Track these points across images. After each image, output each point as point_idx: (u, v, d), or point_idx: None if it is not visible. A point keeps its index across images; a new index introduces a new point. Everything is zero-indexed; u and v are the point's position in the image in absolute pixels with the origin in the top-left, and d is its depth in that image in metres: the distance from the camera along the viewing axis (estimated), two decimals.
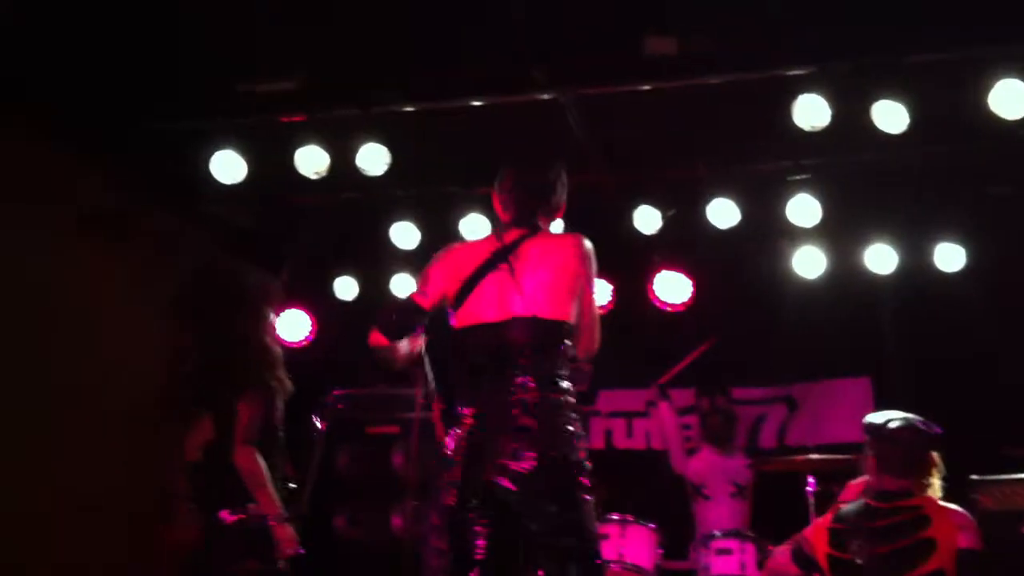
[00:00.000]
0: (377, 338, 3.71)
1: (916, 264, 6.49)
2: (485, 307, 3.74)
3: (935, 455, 4.21)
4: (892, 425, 4.26)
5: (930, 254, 6.45)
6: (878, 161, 5.96)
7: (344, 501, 6.79)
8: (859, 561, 3.93)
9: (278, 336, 4.93)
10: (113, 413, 5.66)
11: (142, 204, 6.27)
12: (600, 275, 5.91)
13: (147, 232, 6.25)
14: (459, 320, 3.79)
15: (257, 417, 4.60)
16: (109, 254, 5.98)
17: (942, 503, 4.10)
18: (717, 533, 5.67)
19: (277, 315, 5.17)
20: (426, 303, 3.79)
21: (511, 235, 3.86)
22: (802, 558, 4.22)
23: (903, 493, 4.08)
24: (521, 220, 3.92)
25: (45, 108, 5.48)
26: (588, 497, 3.60)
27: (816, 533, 4.22)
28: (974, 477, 5.20)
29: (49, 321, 5.58)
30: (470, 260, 3.82)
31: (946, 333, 6.62)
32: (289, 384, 4.80)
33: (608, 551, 5.36)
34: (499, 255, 3.80)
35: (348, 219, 7.01)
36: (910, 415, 4.32)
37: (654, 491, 6.38)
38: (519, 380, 3.61)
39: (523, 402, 3.59)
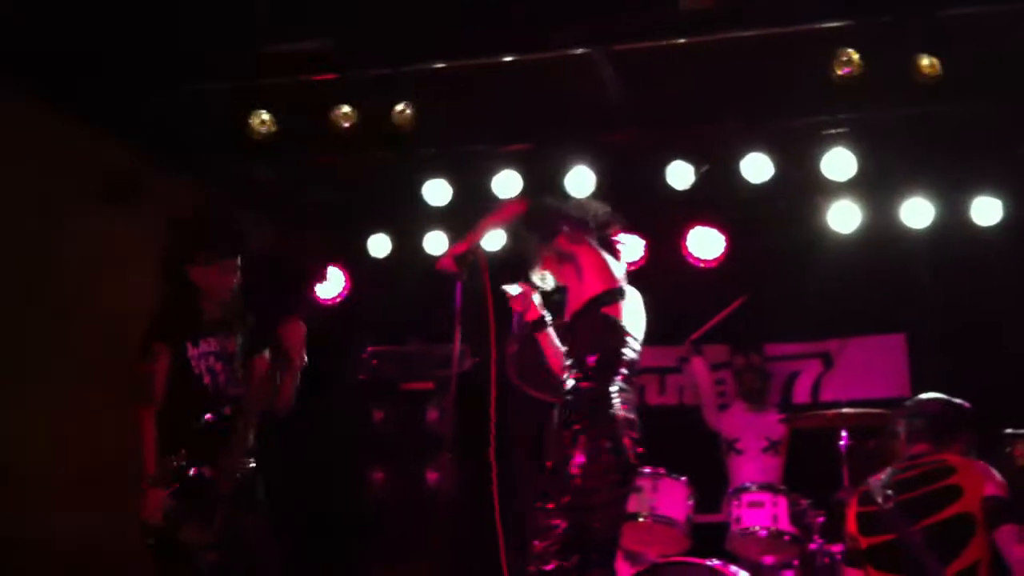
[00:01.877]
0: None
1: (952, 218, 6.43)
2: None
3: (967, 433, 4.20)
4: (919, 396, 4.28)
5: (967, 208, 6.39)
6: (914, 115, 5.89)
7: (380, 458, 6.88)
8: (886, 508, 3.94)
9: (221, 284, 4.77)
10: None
11: (169, 167, 6.32)
12: (633, 231, 5.94)
13: (174, 195, 6.30)
14: None
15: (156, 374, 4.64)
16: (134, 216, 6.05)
17: (967, 457, 4.10)
18: (750, 486, 5.69)
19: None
20: None
21: None
22: (849, 558, 4.22)
23: (928, 453, 4.10)
24: None
25: (71, 72, 5.53)
26: None
27: (849, 515, 4.22)
28: (1009, 431, 5.18)
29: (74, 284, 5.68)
30: None
31: (982, 287, 6.57)
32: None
33: (640, 504, 5.40)
34: None
35: (381, 177, 7.02)
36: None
37: (686, 446, 6.40)
38: None
39: None
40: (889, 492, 4.00)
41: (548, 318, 4.58)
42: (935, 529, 3.84)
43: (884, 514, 3.97)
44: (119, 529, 4.88)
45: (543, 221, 4.39)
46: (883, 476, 4.13)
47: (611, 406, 4.07)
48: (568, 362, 4.28)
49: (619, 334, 4.19)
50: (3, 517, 5.25)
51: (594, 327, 4.19)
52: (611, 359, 4.16)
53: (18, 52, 5.34)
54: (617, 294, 4.25)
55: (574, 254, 4.30)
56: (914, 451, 4.15)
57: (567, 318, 4.39)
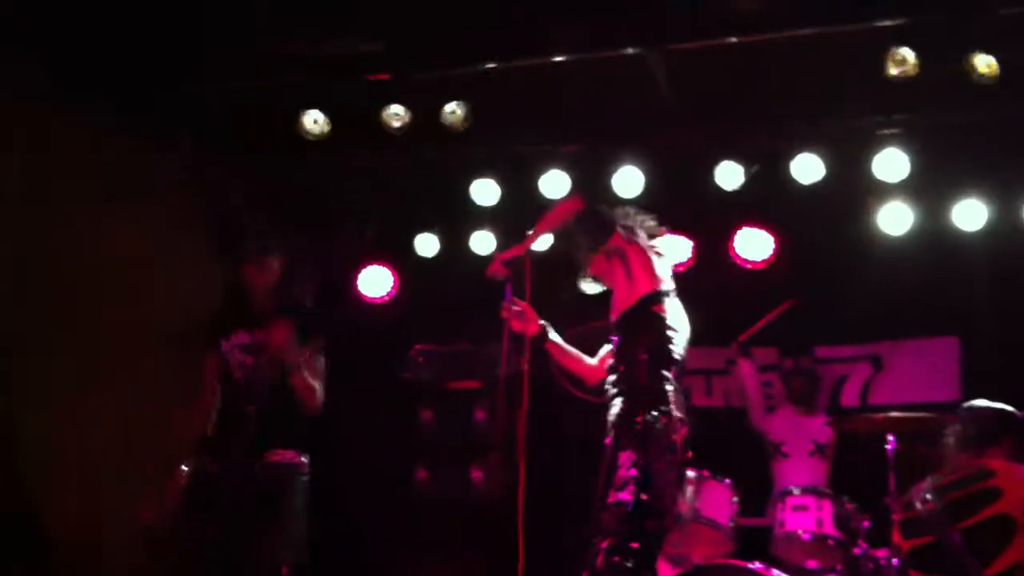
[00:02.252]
0: None
1: (1006, 221, 6.33)
2: None
3: (1012, 437, 4.16)
4: (971, 403, 4.23)
5: (1020, 210, 6.29)
6: (968, 116, 5.82)
7: (425, 457, 6.90)
8: (925, 511, 3.91)
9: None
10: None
11: (220, 165, 6.39)
12: (680, 231, 5.93)
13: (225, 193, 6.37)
14: None
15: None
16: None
17: (1010, 461, 4.04)
18: (794, 490, 5.65)
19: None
20: None
21: None
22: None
23: (970, 458, 4.06)
24: None
25: (123, 73, 5.61)
26: None
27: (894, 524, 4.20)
28: None
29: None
30: None
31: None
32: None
33: (684, 506, 5.38)
34: None
35: (429, 176, 7.05)
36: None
37: (732, 449, 6.37)
38: None
39: None
40: (928, 496, 3.96)
41: (549, 328, 4.68)
42: (974, 530, 3.79)
43: (924, 516, 3.94)
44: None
45: (599, 219, 4.44)
46: (926, 483, 4.10)
47: (667, 403, 4.08)
48: (616, 361, 4.28)
49: (669, 332, 4.23)
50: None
51: (646, 325, 4.24)
52: (663, 357, 4.20)
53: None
54: (664, 294, 4.31)
55: (626, 253, 4.35)
56: (960, 458, 4.11)
57: (614, 318, 4.41)
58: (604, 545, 3.94)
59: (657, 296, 4.29)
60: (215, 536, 4.59)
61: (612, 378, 4.29)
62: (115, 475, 5.55)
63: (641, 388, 4.14)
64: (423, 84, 5.98)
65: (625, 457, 4.02)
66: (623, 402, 4.17)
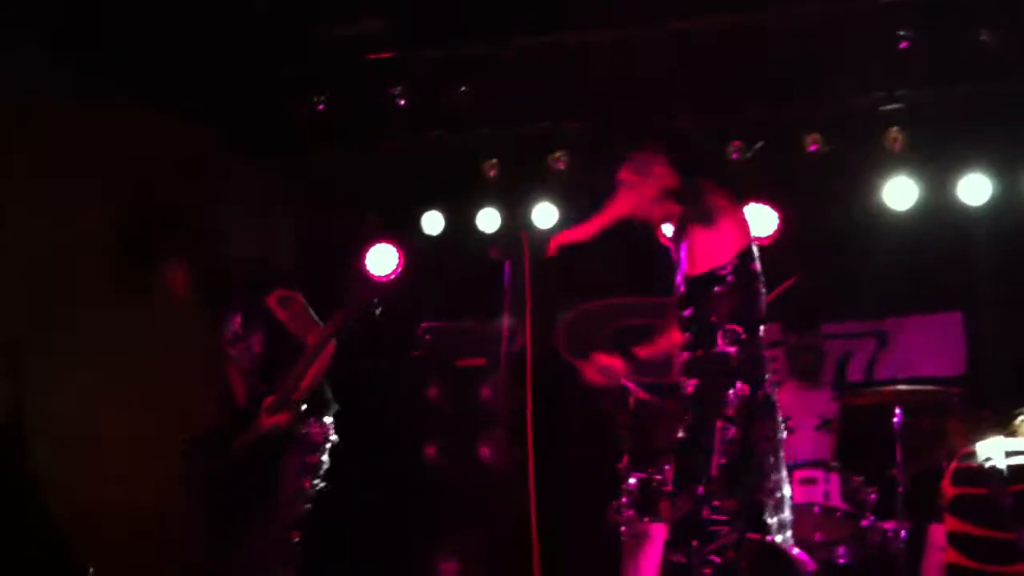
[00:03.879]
0: None
1: (1010, 195, 6.35)
2: None
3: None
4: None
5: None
6: (972, 90, 5.82)
7: (433, 432, 6.95)
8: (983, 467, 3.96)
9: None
10: None
11: (221, 148, 6.40)
12: None
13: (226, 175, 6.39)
14: None
15: None
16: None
17: None
18: (800, 463, 5.69)
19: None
20: None
21: None
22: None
23: None
24: None
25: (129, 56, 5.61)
26: None
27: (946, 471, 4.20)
28: None
29: None
30: None
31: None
32: None
33: None
34: None
35: (435, 155, 7.07)
36: None
37: None
38: None
39: None
40: (992, 455, 3.99)
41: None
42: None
43: (982, 470, 3.97)
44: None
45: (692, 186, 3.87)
46: (992, 441, 4.10)
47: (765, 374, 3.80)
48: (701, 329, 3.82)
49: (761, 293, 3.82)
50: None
51: (743, 288, 3.77)
52: (756, 324, 3.81)
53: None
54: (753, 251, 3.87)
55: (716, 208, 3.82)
56: None
57: (682, 287, 3.92)
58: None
59: (750, 253, 3.84)
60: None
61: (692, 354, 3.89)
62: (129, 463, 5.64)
63: (741, 361, 3.76)
64: (429, 63, 5.97)
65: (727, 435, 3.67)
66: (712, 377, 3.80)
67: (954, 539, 4.03)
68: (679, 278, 3.93)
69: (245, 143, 6.56)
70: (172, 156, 5.94)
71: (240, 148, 6.56)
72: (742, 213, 3.88)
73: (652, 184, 3.90)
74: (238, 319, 4.78)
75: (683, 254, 3.89)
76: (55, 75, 5.55)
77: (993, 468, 3.94)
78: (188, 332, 5.34)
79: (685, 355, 3.88)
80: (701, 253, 3.81)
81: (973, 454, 4.08)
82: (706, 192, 3.81)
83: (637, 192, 3.92)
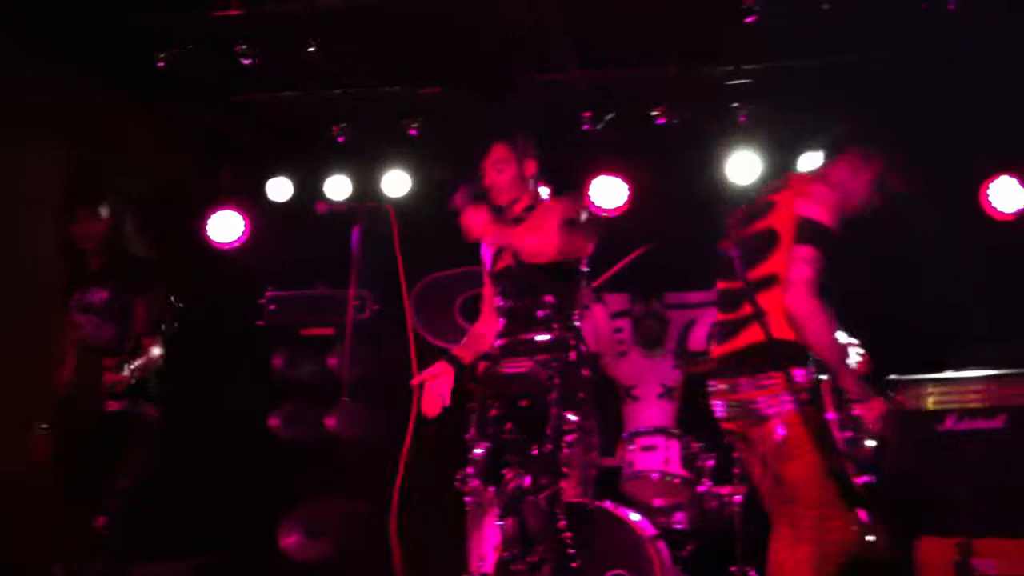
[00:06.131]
0: None
1: None
2: None
3: None
4: None
5: None
6: (816, 63, 5.97)
7: (279, 402, 6.83)
8: None
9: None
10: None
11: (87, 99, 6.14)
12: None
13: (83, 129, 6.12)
14: None
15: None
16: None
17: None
18: (643, 430, 5.79)
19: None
20: None
21: None
22: None
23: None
24: None
25: None
26: None
27: None
28: (892, 377, 5.35)
29: None
30: None
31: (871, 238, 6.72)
32: None
33: None
34: None
35: (283, 119, 6.89)
36: None
37: None
38: None
39: None
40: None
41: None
42: (748, 240, 3.83)
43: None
44: None
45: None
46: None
47: None
48: None
49: None
50: None
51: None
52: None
53: None
54: None
55: None
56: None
57: None
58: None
59: None
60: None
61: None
62: None
63: None
64: (278, 20, 5.78)
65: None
66: None
67: None
68: None
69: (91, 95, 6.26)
70: None
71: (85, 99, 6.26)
72: None
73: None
74: (105, 295, 4.85)
75: None
76: None
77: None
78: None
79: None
80: None
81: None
82: None
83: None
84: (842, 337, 3.86)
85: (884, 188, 3.90)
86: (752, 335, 3.70)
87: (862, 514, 3.57)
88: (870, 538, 3.73)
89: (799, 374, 3.59)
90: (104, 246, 4.93)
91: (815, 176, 3.93)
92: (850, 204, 3.87)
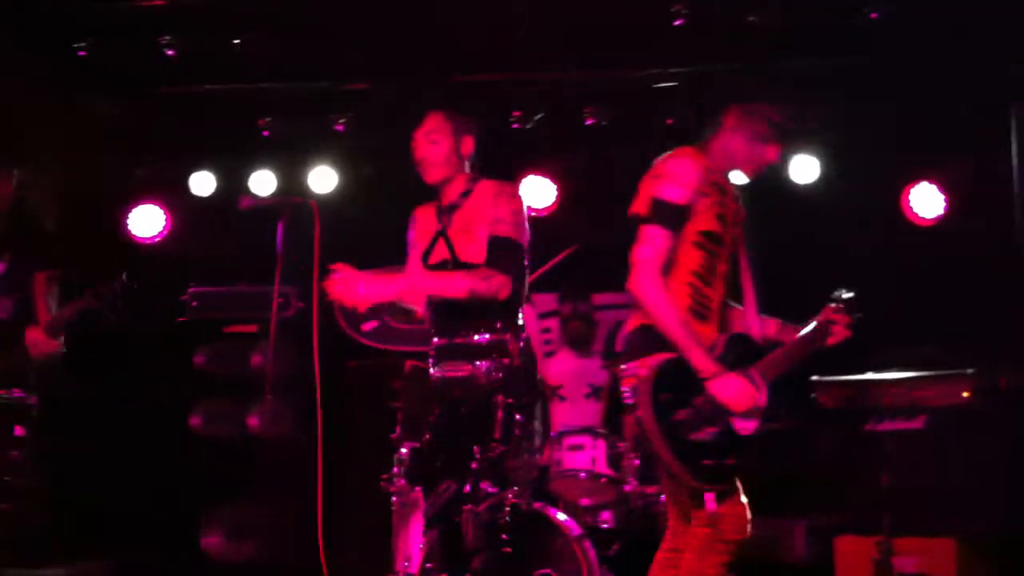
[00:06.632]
0: None
1: (830, 173, 6.58)
2: None
3: None
4: None
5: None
6: (746, 67, 6.04)
7: (200, 400, 6.71)
8: None
9: None
10: None
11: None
12: None
13: None
14: None
15: None
16: None
17: None
18: (570, 430, 5.79)
19: None
20: None
21: None
22: None
23: None
24: None
25: None
26: None
27: None
28: (815, 378, 5.41)
29: None
30: None
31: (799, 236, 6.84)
32: None
33: None
34: None
35: (207, 112, 6.77)
36: None
37: None
38: None
39: None
40: None
41: None
42: None
43: None
44: None
45: None
46: None
47: None
48: None
49: None
50: None
51: None
52: None
53: None
54: None
55: None
56: None
57: None
58: None
59: None
60: None
61: None
62: None
63: None
64: (203, 11, 5.67)
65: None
66: None
67: None
68: None
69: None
70: None
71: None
72: None
73: None
74: (1, 267, 4.69)
75: None
76: None
77: None
78: None
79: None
80: None
81: None
82: None
83: None
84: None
85: (775, 139, 3.82)
86: (632, 322, 3.81)
87: (709, 498, 3.49)
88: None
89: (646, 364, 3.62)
90: (7, 213, 4.74)
91: (686, 151, 3.88)
92: (737, 166, 3.87)
